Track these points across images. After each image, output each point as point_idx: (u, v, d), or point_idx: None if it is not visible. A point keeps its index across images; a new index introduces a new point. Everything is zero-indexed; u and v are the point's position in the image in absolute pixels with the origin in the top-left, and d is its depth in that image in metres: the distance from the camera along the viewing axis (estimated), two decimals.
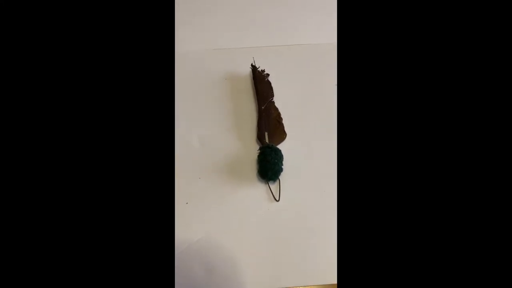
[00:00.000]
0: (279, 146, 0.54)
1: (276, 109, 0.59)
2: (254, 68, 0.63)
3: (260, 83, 0.61)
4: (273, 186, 0.52)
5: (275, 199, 0.51)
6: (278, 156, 0.52)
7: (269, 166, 0.51)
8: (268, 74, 0.63)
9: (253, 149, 0.55)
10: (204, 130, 0.58)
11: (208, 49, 0.68)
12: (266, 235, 0.49)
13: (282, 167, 0.52)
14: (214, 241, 0.49)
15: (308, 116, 0.59)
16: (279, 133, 0.56)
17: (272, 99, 0.60)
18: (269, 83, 0.62)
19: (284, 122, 0.58)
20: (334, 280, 0.45)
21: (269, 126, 0.57)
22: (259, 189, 0.52)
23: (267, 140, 0.55)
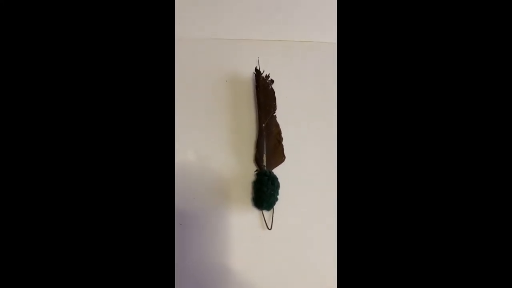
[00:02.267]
0: (276, 170, 0.54)
1: (277, 125, 0.57)
2: (258, 73, 0.59)
3: (263, 93, 0.58)
4: (267, 212, 0.53)
5: (268, 227, 0.52)
6: (275, 186, 0.52)
7: (264, 198, 0.51)
8: (272, 81, 0.59)
9: (250, 169, 0.54)
10: (201, 143, 0.56)
11: (209, 39, 0.63)
12: (256, 262, 0.51)
13: (278, 196, 0.52)
14: (206, 263, 0.50)
15: (309, 128, 0.58)
16: (278, 155, 0.55)
17: (274, 112, 0.58)
18: (273, 92, 0.59)
19: (284, 136, 0.56)
20: None
21: (268, 146, 0.55)
22: (253, 213, 0.53)
23: (264, 163, 0.54)
